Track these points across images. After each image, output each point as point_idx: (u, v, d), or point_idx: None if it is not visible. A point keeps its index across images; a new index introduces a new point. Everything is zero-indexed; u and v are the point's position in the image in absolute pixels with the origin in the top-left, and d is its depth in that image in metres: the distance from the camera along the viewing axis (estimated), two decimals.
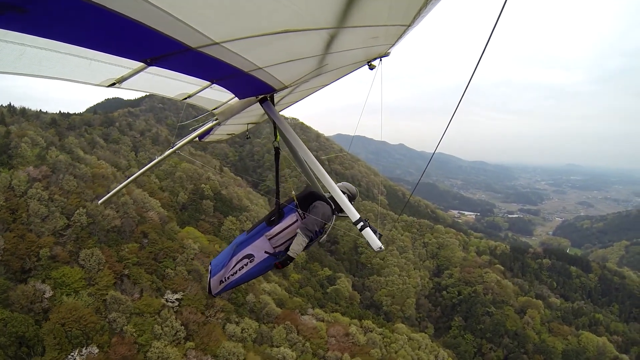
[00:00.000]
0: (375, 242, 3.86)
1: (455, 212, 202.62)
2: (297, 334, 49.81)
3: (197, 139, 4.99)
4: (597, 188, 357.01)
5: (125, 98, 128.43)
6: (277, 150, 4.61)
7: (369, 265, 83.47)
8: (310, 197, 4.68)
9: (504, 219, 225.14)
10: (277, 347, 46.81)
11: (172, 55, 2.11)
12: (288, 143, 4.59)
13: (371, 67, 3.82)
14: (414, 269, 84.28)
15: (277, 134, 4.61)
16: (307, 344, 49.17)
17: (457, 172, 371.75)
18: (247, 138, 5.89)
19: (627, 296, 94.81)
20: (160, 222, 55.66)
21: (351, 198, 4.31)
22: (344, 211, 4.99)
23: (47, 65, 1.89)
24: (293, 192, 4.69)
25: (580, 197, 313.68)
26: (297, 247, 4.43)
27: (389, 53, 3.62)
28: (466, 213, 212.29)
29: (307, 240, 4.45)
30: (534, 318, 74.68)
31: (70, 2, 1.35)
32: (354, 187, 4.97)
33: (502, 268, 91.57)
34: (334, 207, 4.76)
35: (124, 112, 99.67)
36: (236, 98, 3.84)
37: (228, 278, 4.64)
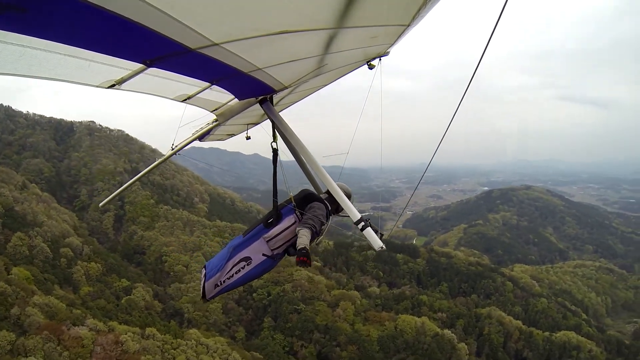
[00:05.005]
0: (377, 242, 3.84)
1: None
2: (58, 345, 48.52)
3: (197, 140, 5.01)
4: (446, 182, 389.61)
5: None
6: (275, 152, 4.56)
7: (171, 273, 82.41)
8: (308, 199, 4.66)
9: None
10: (27, 357, 44.71)
11: (171, 57, 2.11)
12: (288, 144, 4.58)
13: (370, 67, 3.81)
14: None
15: (276, 134, 4.59)
16: (66, 353, 48.00)
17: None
18: (248, 139, 5.85)
19: (455, 274, 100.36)
20: None
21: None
22: (341, 211, 4.96)
23: (46, 67, 1.89)
24: (291, 194, 4.65)
25: (431, 191, 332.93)
26: (303, 239, 4.24)
27: (389, 52, 3.62)
28: None
29: (309, 231, 4.30)
30: (346, 310, 75.47)
31: (69, 3, 1.35)
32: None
33: (319, 264, 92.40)
34: (330, 208, 4.74)
35: None
36: (236, 99, 3.84)
37: (224, 282, 4.53)
